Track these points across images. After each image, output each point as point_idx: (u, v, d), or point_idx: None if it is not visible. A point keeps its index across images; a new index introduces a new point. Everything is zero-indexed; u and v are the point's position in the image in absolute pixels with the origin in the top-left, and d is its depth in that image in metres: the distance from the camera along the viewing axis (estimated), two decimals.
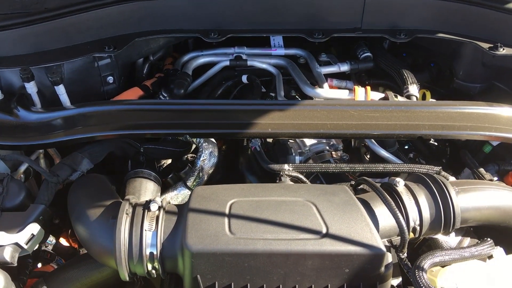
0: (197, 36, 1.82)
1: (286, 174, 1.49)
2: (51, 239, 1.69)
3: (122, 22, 1.79)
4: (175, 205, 1.34)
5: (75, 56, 1.72)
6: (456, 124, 1.51)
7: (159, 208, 1.28)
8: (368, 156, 1.84)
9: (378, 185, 1.32)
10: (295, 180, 1.53)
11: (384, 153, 1.70)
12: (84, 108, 1.61)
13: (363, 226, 1.21)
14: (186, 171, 1.77)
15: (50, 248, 1.69)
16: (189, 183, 1.69)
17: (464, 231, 1.49)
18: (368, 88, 1.78)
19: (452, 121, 1.51)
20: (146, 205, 1.27)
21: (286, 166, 1.54)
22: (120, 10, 1.76)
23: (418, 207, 1.31)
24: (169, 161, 1.89)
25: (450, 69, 2.02)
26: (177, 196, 1.70)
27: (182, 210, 1.29)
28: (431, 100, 1.85)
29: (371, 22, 1.83)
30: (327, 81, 2.01)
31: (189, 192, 1.71)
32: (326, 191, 1.30)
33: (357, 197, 1.32)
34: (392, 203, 1.26)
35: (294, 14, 1.83)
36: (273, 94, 1.97)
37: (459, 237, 1.48)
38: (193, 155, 1.81)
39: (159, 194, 1.65)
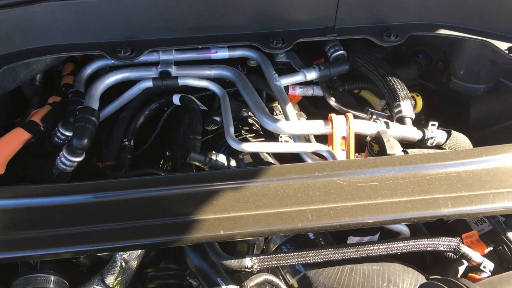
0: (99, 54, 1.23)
1: None
2: None
3: None
4: None
5: None
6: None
7: None
8: None
9: None
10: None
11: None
12: None
13: None
14: None
15: None
16: (108, 281, 1.18)
17: None
18: (350, 116, 1.27)
19: (490, 185, 1.03)
20: None
21: (247, 261, 1.06)
22: None
23: None
24: None
25: (445, 63, 1.57)
26: None
27: None
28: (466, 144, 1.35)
29: (348, 18, 1.30)
30: (289, 89, 1.50)
31: None
32: None
33: None
34: None
35: (242, 13, 1.25)
36: (217, 119, 1.44)
37: None
38: None
39: None
